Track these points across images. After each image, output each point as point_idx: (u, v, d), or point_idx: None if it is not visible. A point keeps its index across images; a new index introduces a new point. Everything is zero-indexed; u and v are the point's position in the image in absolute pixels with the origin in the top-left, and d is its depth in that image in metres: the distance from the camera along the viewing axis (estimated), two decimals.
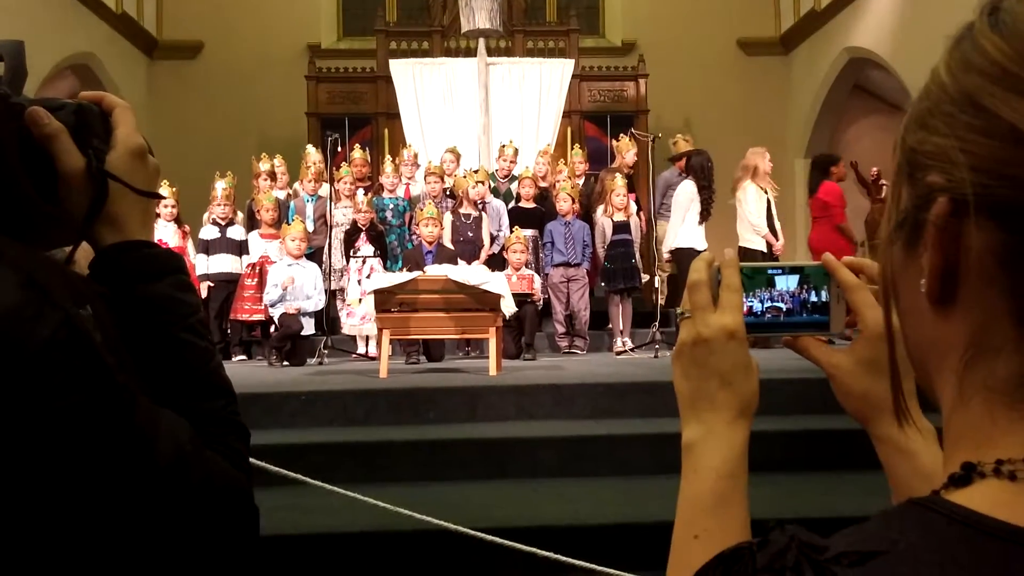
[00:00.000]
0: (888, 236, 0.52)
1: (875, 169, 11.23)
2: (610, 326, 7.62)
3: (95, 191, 0.77)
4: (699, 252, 4.99)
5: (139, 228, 0.79)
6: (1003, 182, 0.43)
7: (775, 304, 0.75)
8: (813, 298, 0.74)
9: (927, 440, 0.69)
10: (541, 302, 7.31)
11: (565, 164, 8.75)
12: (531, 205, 8.06)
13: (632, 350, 7.15)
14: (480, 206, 7.83)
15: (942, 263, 0.46)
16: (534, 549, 2.97)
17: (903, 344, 0.54)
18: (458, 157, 8.66)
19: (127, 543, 0.65)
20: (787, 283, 0.75)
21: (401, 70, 10.22)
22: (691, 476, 0.67)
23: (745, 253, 7.11)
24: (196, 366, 0.77)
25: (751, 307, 0.73)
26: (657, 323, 6.81)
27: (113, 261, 0.77)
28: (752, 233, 7.37)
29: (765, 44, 12.66)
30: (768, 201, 7.47)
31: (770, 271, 0.75)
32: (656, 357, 6.49)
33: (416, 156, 8.80)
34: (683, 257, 7.16)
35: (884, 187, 11.49)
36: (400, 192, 8.10)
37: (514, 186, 8.51)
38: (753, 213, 7.35)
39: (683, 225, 7.26)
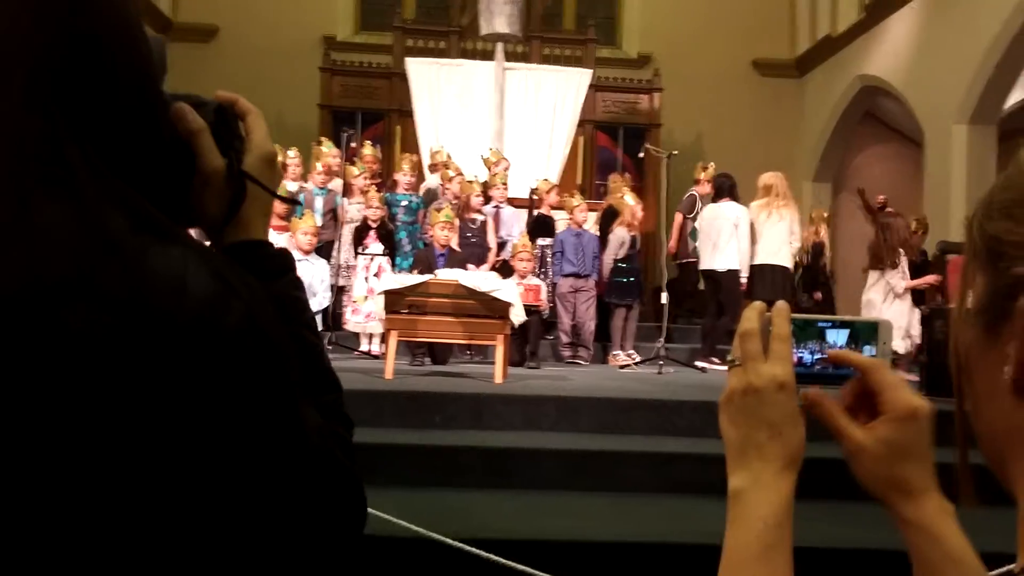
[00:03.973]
0: (962, 318, 0.53)
1: (881, 197, 11.26)
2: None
3: (233, 192, 0.79)
4: None
5: (260, 229, 0.82)
6: None
7: (824, 356, 0.76)
8: (864, 352, 0.75)
9: (951, 521, 0.69)
10: (547, 311, 7.34)
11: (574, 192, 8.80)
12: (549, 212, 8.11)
13: (636, 364, 7.19)
14: (495, 209, 7.84)
15: None
16: (530, 569, 2.99)
17: (970, 424, 0.54)
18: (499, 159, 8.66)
19: (259, 525, 0.68)
20: (837, 336, 0.75)
21: (417, 69, 10.21)
22: (739, 524, 0.68)
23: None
24: (314, 362, 0.80)
25: (800, 358, 0.74)
26: (663, 339, 6.83)
27: (238, 260, 0.78)
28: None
29: (780, 66, 12.70)
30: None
31: (820, 323, 0.76)
32: (660, 374, 6.51)
33: (449, 156, 8.69)
34: None
35: (890, 214, 11.53)
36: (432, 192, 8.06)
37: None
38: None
39: None
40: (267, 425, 0.66)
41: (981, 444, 0.54)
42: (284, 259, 0.83)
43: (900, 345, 6.83)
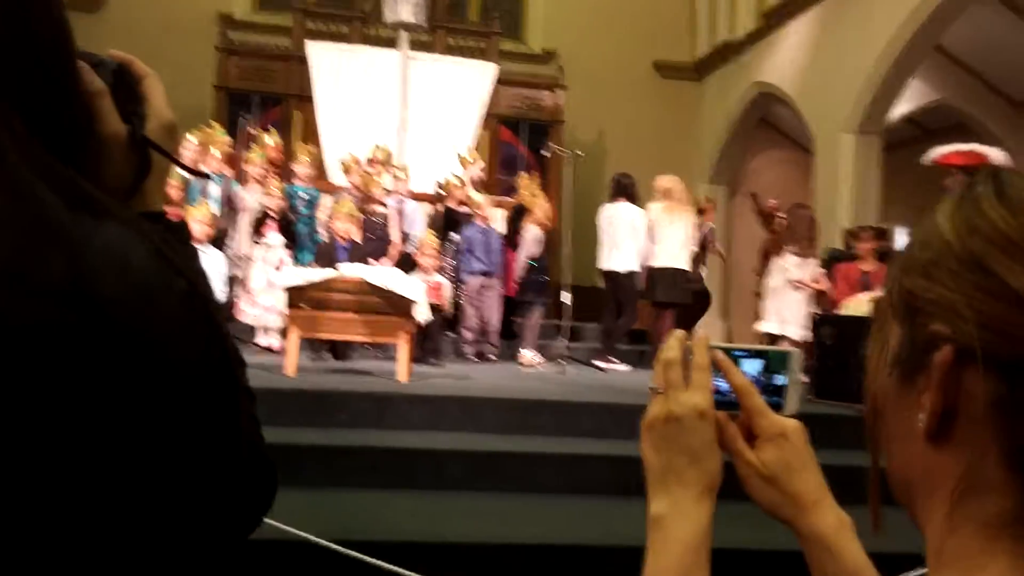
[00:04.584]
0: (879, 366, 0.56)
1: (773, 202, 11.66)
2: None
3: (137, 161, 0.74)
4: None
5: (158, 199, 0.79)
6: (1010, 341, 0.48)
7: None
8: (774, 381, 0.79)
9: (849, 533, 0.73)
10: (451, 312, 7.28)
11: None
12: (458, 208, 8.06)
13: (540, 364, 7.23)
14: (399, 202, 7.72)
15: (943, 405, 0.50)
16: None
17: (884, 464, 0.57)
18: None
19: (184, 511, 0.66)
20: (752, 366, 0.79)
21: (318, 53, 9.94)
22: (659, 548, 0.71)
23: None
24: None
25: (718, 387, 0.76)
26: (566, 340, 6.87)
27: None
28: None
29: (680, 68, 12.95)
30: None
31: (735, 353, 0.79)
32: (563, 374, 6.55)
33: (389, 155, 8.45)
34: None
35: (781, 219, 11.96)
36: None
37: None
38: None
39: None
40: (211, 407, 0.65)
41: (891, 481, 0.57)
42: (183, 231, 0.81)
43: (796, 332, 6.99)
